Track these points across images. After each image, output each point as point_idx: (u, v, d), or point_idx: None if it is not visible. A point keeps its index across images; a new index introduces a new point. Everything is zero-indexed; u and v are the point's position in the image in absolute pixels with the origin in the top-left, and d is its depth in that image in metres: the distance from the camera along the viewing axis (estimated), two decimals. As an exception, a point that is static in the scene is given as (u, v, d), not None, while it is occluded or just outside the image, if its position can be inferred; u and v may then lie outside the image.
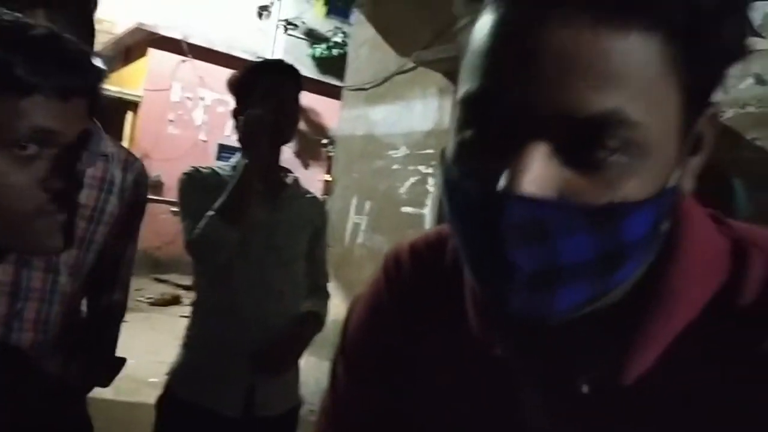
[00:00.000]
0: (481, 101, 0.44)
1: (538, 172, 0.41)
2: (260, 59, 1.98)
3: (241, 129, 1.61)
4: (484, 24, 0.46)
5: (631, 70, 0.41)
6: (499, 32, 0.44)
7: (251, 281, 1.63)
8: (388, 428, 0.66)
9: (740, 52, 0.47)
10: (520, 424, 0.56)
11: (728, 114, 2.69)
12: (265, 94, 1.67)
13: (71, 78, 0.82)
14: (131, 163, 1.39)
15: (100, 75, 0.88)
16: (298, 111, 1.77)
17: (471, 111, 0.46)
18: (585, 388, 0.51)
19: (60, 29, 1.19)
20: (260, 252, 1.65)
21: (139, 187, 1.39)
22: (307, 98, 11.09)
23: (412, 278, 0.66)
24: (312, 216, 1.85)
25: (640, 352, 0.49)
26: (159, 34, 9.78)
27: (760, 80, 2.62)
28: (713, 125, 0.49)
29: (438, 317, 0.62)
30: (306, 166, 11.30)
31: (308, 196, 1.90)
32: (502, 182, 0.42)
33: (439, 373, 0.62)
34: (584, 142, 0.42)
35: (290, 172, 1.90)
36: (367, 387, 0.68)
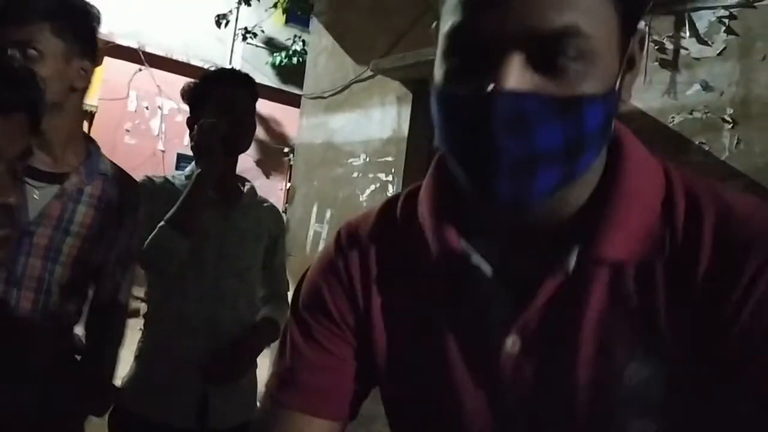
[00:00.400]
0: (464, 31, 0.54)
1: (516, 75, 0.52)
2: (214, 68, 1.94)
3: (195, 138, 1.60)
4: None
5: None
6: None
7: (204, 291, 1.61)
8: (348, 381, 0.72)
9: None
10: (491, 340, 0.62)
11: (677, 120, 2.77)
12: (219, 104, 1.66)
13: (10, 93, 0.81)
14: (127, 182, 1.40)
15: (40, 91, 0.87)
16: (253, 120, 1.76)
17: (455, 41, 0.56)
18: (572, 263, 0.59)
19: (68, 43, 1.18)
20: (213, 261, 1.63)
21: (133, 207, 1.40)
22: (267, 107, 10.93)
23: (365, 239, 0.73)
24: (268, 225, 1.83)
25: (611, 235, 0.58)
26: (114, 43, 9.63)
27: (706, 87, 2.71)
28: (641, 47, 0.60)
29: (393, 265, 0.70)
30: (267, 175, 11.22)
31: (265, 205, 1.88)
32: (489, 85, 0.52)
33: (401, 313, 0.69)
34: (550, 51, 0.52)
35: (247, 180, 1.88)
36: (322, 343, 0.72)
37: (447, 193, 0.67)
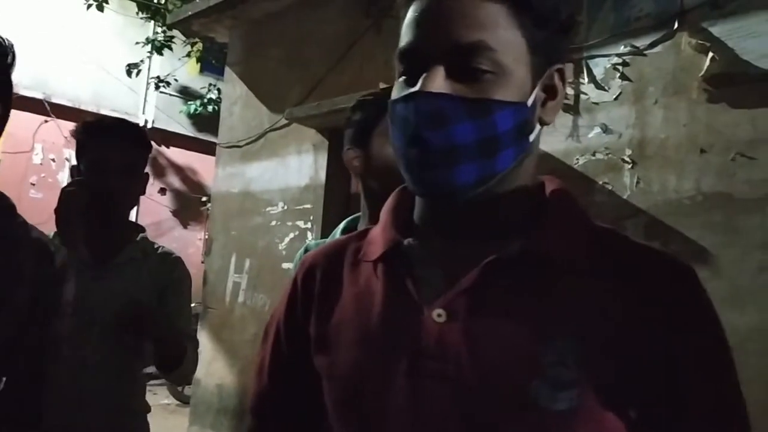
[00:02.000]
0: (405, 52, 0.70)
1: (437, 81, 0.66)
2: (93, 120, 1.75)
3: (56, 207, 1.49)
4: (410, 9, 0.71)
5: (490, 20, 0.66)
6: (415, 8, 0.70)
7: (72, 355, 1.50)
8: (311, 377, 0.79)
9: (562, 25, 0.72)
10: (421, 312, 0.70)
11: (581, 161, 2.89)
12: (93, 160, 1.58)
13: None
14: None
15: None
16: (137, 172, 1.69)
17: (403, 59, 0.71)
18: (501, 254, 0.68)
19: None
20: (84, 329, 1.53)
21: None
22: (182, 156, 10.73)
23: (319, 259, 0.85)
24: (155, 277, 1.73)
25: (536, 234, 0.70)
26: (18, 94, 9.25)
27: (606, 129, 2.85)
28: (562, 80, 0.73)
29: (342, 276, 0.81)
30: (185, 225, 10.93)
31: (158, 253, 1.79)
32: (416, 87, 0.66)
33: (347, 309, 0.78)
34: (465, 62, 0.66)
35: (141, 231, 1.79)
36: (290, 346, 0.83)
37: (402, 203, 0.81)
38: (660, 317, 0.66)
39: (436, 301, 0.70)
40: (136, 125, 1.72)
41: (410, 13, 0.70)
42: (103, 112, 10.04)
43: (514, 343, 0.66)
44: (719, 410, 0.68)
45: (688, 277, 0.70)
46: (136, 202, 1.68)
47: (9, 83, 1.16)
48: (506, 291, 0.69)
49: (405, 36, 0.70)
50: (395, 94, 0.70)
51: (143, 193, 1.74)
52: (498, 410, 0.65)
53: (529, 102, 0.68)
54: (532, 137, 0.71)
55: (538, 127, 0.72)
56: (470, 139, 0.65)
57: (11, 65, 1.15)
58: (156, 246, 1.80)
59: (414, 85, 0.67)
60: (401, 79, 0.71)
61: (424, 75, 0.66)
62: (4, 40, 1.15)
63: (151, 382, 4.10)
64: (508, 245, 0.69)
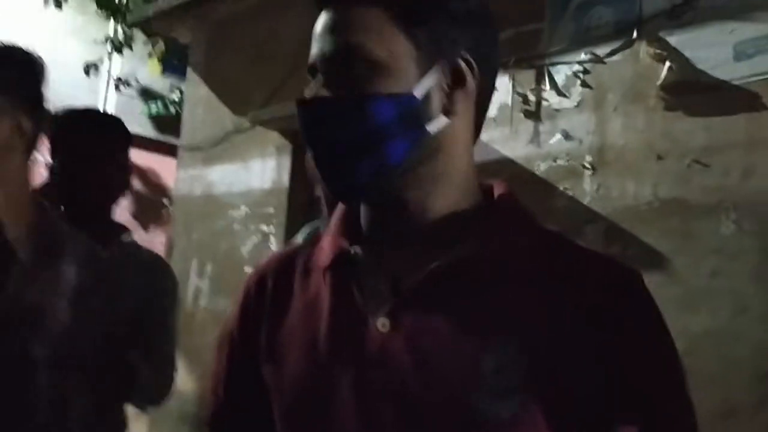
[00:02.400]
0: (309, 67, 0.74)
1: (317, 88, 0.70)
2: (63, 111, 1.67)
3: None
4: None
5: (371, 24, 0.69)
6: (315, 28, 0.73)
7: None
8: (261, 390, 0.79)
9: (449, 15, 0.72)
10: (365, 323, 0.70)
11: (542, 167, 2.93)
12: (68, 153, 1.53)
13: None
14: None
15: None
16: (118, 166, 1.63)
17: (310, 72, 0.74)
18: (443, 260, 0.69)
19: None
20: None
21: None
22: (143, 157, 10.52)
23: (270, 267, 0.85)
24: (142, 280, 1.64)
25: (473, 241, 0.70)
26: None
27: (567, 136, 2.89)
28: (470, 68, 0.73)
29: (293, 284, 0.81)
30: (145, 228, 10.74)
31: (145, 256, 1.70)
32: (305, 94, 0.70)
33: (295, 319, 0.77)
34: (345, 66, 0.69)
35: (124, 230, 1.68)
36: (245, 358, 0.82)
37: (351, 210, 0.81)
38: (605, 322, 0.67)
39: (379, 311, 0.70)
40: (111, 115, 1.65)
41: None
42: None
43: (457, 351, 0.67)
44: (667, 414, 0.68)
45: (634, 283, 0.71)
46: (119, 196, 1.60)
47: (40, 98, 1.13)
48: (449, 298, 0.69)
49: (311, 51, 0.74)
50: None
51: (126, 186, 1.66)
52: (442, 420, 0.65)
53: (417, 92, 0.69)
54: (431, 127, 0.71)
55: (442, 118, 0.72)
56: (352, 136, 0.68)
57: (41, 79, 1.14)
58: (142, 248, 1.72)
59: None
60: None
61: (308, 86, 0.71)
62: (33, 55, 1.13)
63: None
64: (452, 251, 0.69)
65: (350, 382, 0.69)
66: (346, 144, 0.69)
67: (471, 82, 0.73)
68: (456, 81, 0.72)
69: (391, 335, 0.68)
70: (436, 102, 0.71)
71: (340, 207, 0.83)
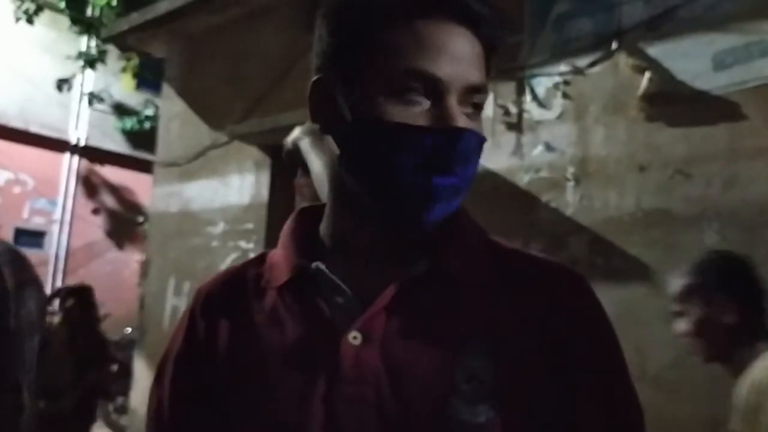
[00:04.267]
0: (427, 75, 0.67)
1: (463, 118, 0.68)
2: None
3: None
4: (412, 28, 0.69)
5: (483, 63, 0.70)
6: (428, 32, 0.69)
7: None
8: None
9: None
10: (337, 337, 0.70)
11: (525, 179, 2.92)
12: None
13: None
14: None
15: None
16: None
17: (416, 78, 0.68)
18: (413, 274, 0.71)
19: None
20: None
21: None
22: (117, 174, 10.41)
23: (216, 290, 0.81)
24: None
25: (444, 257, 0.72)
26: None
27: (549, 147, 2.89)
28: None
29: (245, 305, 0.77)
30: (120, 246, 10.56)
31: None
32: (446, 122, 0.67)
33: (256, 339, 0.74)
34: (470, 98, 0.69)
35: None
36: (189, 398, 0.77)
37: (302, 226, 0.80)
38: (558, 324, 0.71)
39: (350, 324, 0.70)
40: None
41: (423, 35, 0.68)
42: (32, 128, 9.66)
43: (429, 361, 0.68)
44: (613, 409, 0.72)
45: (582, 286, 0.76)
46: None
47: None
48: (418, 310, 0.71)
49: (419, 57, 0.67)
50: (410, 119, 0.67)
51: None
52: (418, 429, 0.66)
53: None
54: None
55: None
56: (471, 173, 0.70)
57: None
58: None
59: (436, 114, 0.67)
60: (398, 98, 0.67)
61: (446, 106, 0.66)
62: None
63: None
64: (417, 266, 0.72)
65: (323, 397, 0.69)
66: (468, 181, 0.70)
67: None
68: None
69: (364, 348, 0.69)
70: None
71: (288, 225, 0.82)
